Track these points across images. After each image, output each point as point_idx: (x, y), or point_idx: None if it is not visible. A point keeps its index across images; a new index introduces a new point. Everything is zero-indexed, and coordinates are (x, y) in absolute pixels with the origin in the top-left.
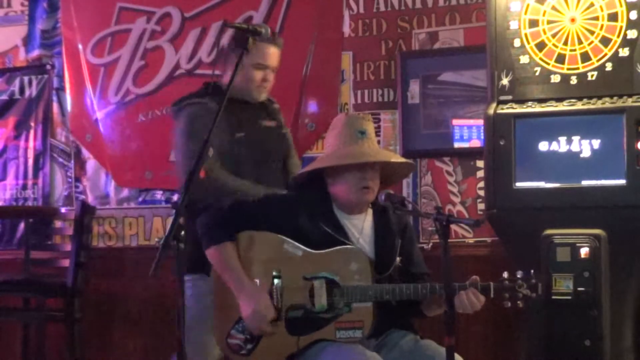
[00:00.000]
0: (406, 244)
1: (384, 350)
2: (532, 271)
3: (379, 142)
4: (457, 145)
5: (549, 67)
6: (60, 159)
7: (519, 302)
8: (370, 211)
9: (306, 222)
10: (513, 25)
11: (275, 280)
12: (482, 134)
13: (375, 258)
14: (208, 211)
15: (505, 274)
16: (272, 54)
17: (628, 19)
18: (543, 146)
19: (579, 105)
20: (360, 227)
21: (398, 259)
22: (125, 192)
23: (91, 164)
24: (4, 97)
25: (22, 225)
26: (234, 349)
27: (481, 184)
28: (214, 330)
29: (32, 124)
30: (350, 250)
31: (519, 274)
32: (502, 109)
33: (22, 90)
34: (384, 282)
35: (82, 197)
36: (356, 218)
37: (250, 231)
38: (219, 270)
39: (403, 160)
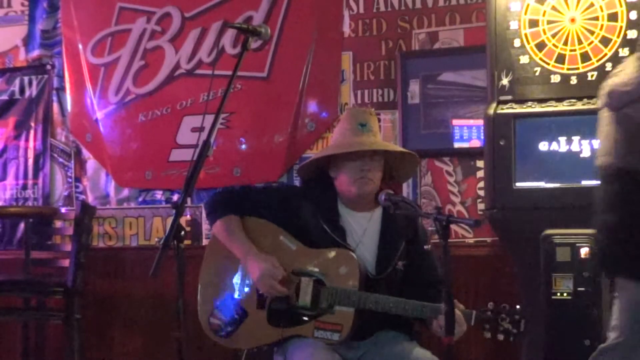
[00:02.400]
0: (416, 249)
1: (372, 351)
2: (517, 307)
3: None
4: (457, 145)
5: (549, 67)
6: (60, 159)
7: (499, 335)
8: (378, 210)
9: (308, 218)
10: (513, 25)
11: None
12: (482, 134)
13: (375, 258)
14: (214, 193)
15: (490, 305)
16: None
17: (628, 19)
18: (543, 146)
19: (579, 105)
20: (365, 225)
21: (400, 263)
22: (125, 192)
23: (91, 164)
24: (4, 97)
25: (22, 225)
26: (214, 328)
27: (481, 184)
28: (198, 306)
29: (32, 124)
30: (343, 253)
31: (505, 307)
32: (502, 109)
33: (22, 90)
34: (381, 284)
35: (82, 197)
36: (362, 215)
37: (250, 217)
38: (224, 240)
39: (402, 149)
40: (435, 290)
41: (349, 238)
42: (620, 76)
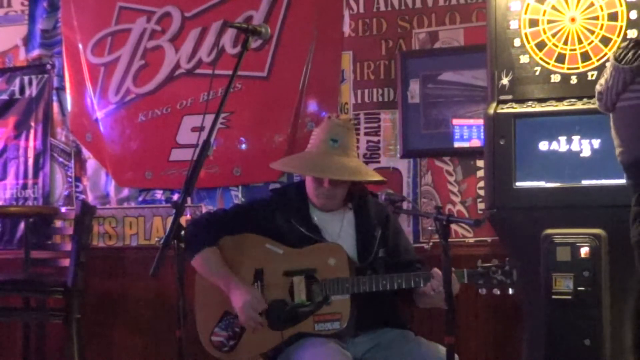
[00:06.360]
0: (390, 234)
1: (379, 350)
2: (507, 259)
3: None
4: (457, 145)
5: (549, 67)
6: (61, 159)
7: (494, 289)
8: (350, 205)
9: (282, 223)
10: (513, 24)
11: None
12: (482, 133)
13: (356, 251)
14: (187, 225)
15: (479, 262)
16: None
17: (628, 19)
18: (543, 146)
19: (579, 105)
20: (340, 222)
21: (381, 250)
22: (125, 192)
23: (91, 163)
24: (4, 96)
25: (22, 225)
26: (217, 346)
27: (481, 184)
28: (197, 329)
29: (32, 124)
30: (328, 246)
31: (493, 262)
32: (502, 108)
33: (22, 90)
34: (366, 272)
35: (82, 196)
36: (334, 214)
37: (232, 235)
38: (206, 275)
39: (363, 178)
40: (415, 267)
41: (325, 235)
42: (604, 76)
